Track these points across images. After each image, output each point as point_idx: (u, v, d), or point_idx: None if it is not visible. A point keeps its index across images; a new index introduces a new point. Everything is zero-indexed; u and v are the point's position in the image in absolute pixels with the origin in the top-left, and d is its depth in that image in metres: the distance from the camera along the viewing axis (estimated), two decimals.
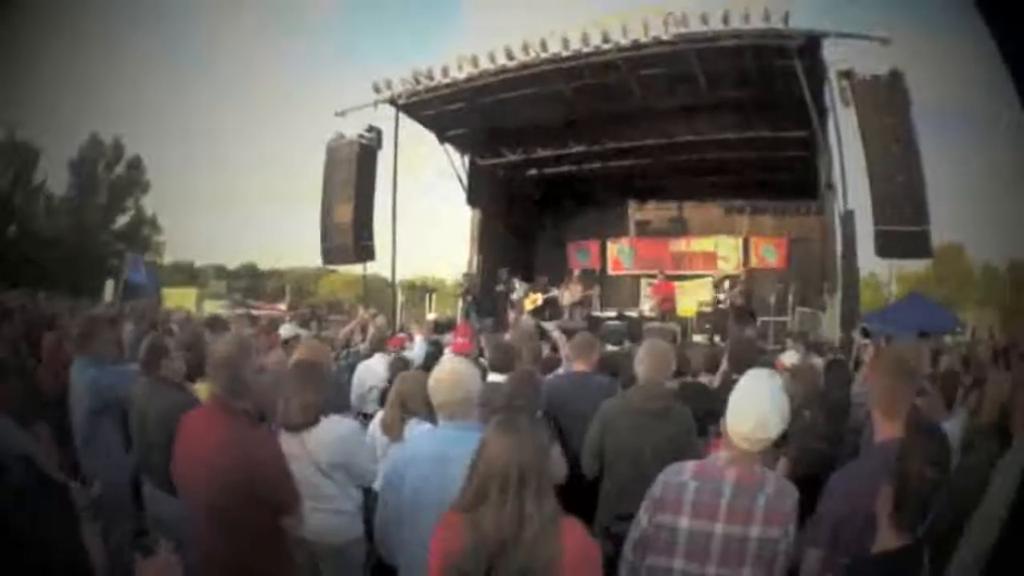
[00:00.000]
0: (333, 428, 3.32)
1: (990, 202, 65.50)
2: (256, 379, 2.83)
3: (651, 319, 14.62)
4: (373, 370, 5.89)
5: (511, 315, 15.47)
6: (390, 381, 5.29)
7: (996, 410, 3.76)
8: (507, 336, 6.81)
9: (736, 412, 2.39)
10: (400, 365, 5.30)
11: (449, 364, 2.91)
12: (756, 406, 2.35)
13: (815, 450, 4.03)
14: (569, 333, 6.83)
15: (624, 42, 12.16)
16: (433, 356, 6.34)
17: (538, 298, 16.21)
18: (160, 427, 3.62)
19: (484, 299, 16.33)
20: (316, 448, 3.23)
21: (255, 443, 2.72)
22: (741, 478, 2.36)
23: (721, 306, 14.45)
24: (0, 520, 1.43)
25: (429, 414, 3.67)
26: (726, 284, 14.76)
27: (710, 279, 16.06)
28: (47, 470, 1.61)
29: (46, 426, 3.65)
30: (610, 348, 6.79)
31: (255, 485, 2.59)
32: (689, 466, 2.49)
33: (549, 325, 12.75)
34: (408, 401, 3.85)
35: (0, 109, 34.59)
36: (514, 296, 16.26)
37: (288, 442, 3.22)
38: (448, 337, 7.67)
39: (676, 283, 16.54)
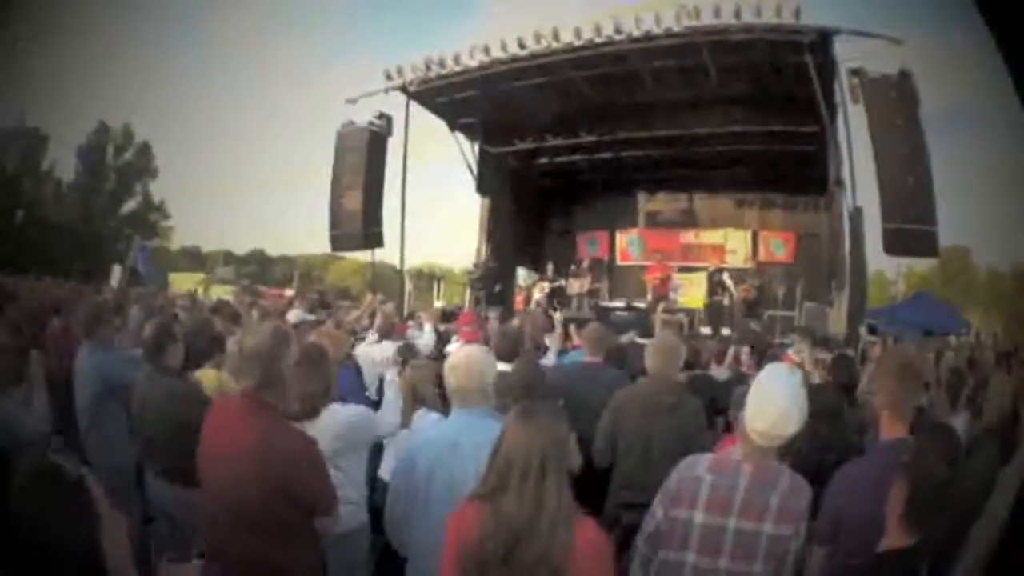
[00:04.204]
0: (335, 417, 3.28)
1: (995, 205, 65.28)
2: (292, 373, 2.71)
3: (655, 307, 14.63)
4: (376, 357, 5.80)
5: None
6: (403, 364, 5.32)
7: (997, 414, 3.80)
8: (515, 322, 6.84)
9: (755, 408, 2.37)
10: (407, 351, 5.30)
11: (465, 350, 2.89)
12: (776, 403, 2.33)
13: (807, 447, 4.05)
14: (578, 323, 6.86)
15: (636, 33, 12.13)
16: (441, 344, 6.37)
17: (544, 287, 16.23)
18: (159, 416, 3.64)
19: (493, 288, 16.35)
20: (319, 437, 3.18)
21: (290, 441, 2.60)
22: (756, 474, 2.36)
23: (718, 299, 14.49)
24: (9, 513, 1.42)
25: (437, 403, 3.73)
26: (725, 276, 14.80)
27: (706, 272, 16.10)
28: (61, 461, 1.58)
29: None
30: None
31: (287, 483, 2.49)
32: (705, 460, 2.49)
33: (556, 315, 12.80)
34: (418, 389, 3.87)
35: (9, 95, 34.73)
36: (522, 284, 16.31)
37: None
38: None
39: (683, 274, 16.58)
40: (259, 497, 2.47)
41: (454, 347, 5.65)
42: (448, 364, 2.78)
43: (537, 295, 16.21)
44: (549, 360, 5.32)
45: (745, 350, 6.45)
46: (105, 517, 1.52)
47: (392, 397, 3.67)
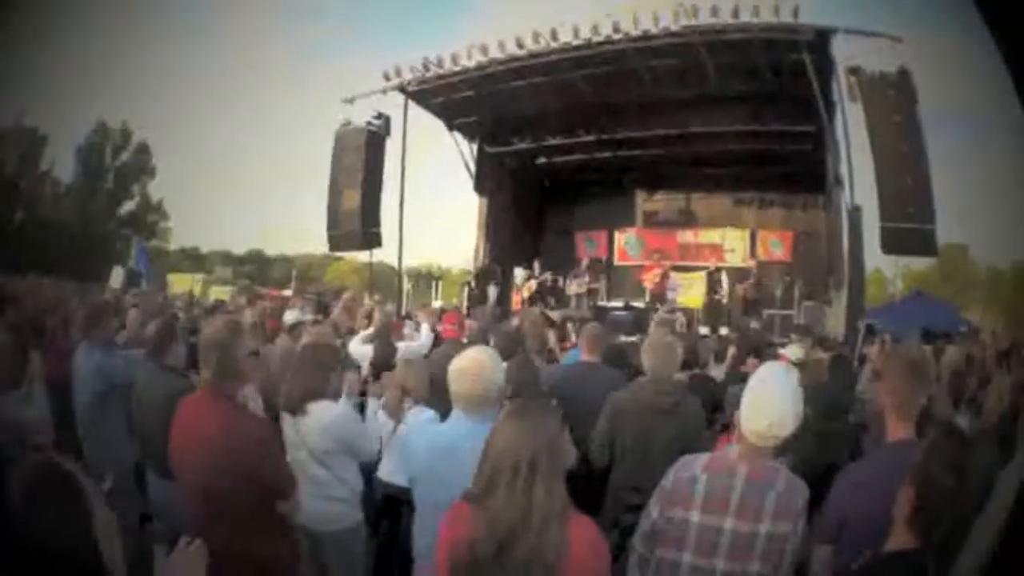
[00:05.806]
0: (323, 414, 3.29)
1: (993, 204, 65.35)
2: (247, 362, 2.83)
3: (655, 308, 14.61)
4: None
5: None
6: (373, 364, 5.31)
7: (997, 413, 3.78)
8: (514, 321, 6.81)
9: (751, 409, 2.35)
10: (387, 345, 5.30)
11: (471, 354, 2.70)
12: (773, 403, 2.32)
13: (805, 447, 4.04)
14: (577, 322, 6.82)
15: (634, 32, 12.21)
16: (438, 345, 6.34)
17: (532, 286, 16.17)
18: (158, 414, 3.58)
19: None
20: (307, 434, 3.24)
21: (248, 427, 2.71)
22: (752, 473, 2.34)
23: (717, 298, 14.49)
24: (8, 512, 1.42)
25: (431, 401, 3.70)
26: (723, 276, 14.78)
27: (705, 271, 16.08)
28: (59, 460, 1.59)
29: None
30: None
31: (248, 469, 2.59)
32: (701, 460, 2.46)
33: (554, 314, 12.79)
34: (409, 388, 3.83)
35: (7, 95, 34.59)
36: (518, 282, 16.32)
37: (287, 427, 3.27)
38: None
39: (682, 273, 16.56)
40: (225, 484, 2.57)
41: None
42: (454, 367, 2.64)
43: (526, 294, 16.16)
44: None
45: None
46: (98, 516, 1.52)
47: (378, 428, 3.71)
